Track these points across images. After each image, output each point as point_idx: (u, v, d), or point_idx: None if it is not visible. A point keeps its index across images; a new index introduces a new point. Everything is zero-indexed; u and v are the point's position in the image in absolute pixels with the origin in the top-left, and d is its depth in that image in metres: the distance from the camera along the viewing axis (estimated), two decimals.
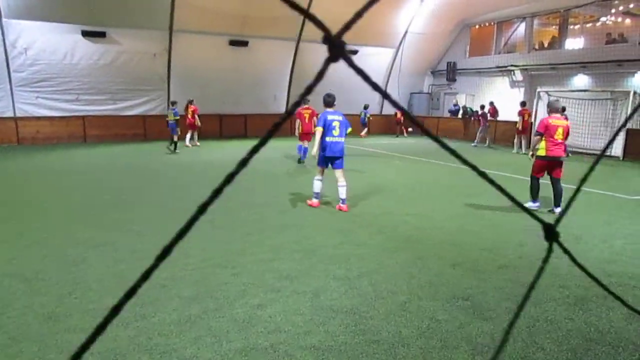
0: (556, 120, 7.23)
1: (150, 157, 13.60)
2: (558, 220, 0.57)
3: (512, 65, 20.05)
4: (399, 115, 22.33)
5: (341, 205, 7.29)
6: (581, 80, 17.74)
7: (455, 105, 22.20)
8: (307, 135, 11.89)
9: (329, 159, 7.22)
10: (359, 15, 0.43)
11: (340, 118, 7.24)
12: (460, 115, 21.60)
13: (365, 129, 20.50)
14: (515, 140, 16.91)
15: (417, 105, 24.61)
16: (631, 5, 18.38)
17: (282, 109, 21.20)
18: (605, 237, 6.11)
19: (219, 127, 19.45)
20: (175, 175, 10.50)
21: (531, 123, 16.33)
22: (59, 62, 16.35)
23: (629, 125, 15.08)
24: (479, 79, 22.06)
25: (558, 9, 18.85)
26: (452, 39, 23.19)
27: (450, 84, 23.49)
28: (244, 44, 19.07)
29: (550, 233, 0.54)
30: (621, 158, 15.04)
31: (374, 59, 22.07)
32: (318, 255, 5.20)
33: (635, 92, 15.08)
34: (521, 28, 21.29)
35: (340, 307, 3.91)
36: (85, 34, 16.28)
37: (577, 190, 0.62)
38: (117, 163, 12.35)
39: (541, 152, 7.22)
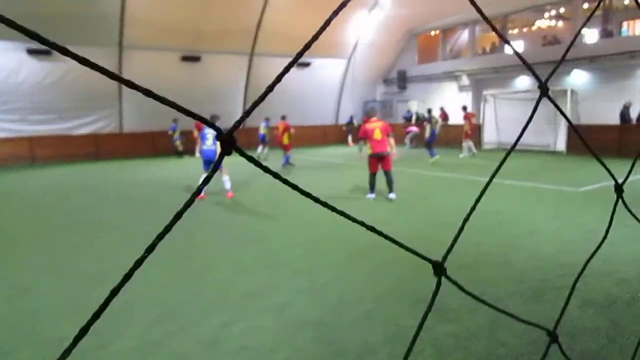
0: (372, 123, 8.60)
1: (102, 177, 13.13)
2: (445, 257, 0.63)
3: (458, 71, 20.82)
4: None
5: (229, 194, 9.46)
6: (523, 82, 18.65)
7: (409, 111, 22.78)
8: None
9: (206, 162, 9.28)
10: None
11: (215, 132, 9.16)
12: (413, 122, 22.19)
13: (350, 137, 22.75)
14: (464, 144, 16.54)
15: None
16: (562, 10, 19.57)
17: None
18: (556, 230, 6.41)
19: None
20: (127, 195, 10.17)
21: (478, 126, 16.93)
22: (2, 81, 15.59)
23: (570, 120, 15.98)
24: (428, 85, 22.75)
25: (497, 15, 19.79)
26: (401, 47, 23.85)
27: (402, 92, 24.09)
28: (197, 59, 18.85)
29: (438, 269, 0.61)
30: (565, 152, 15.88)
31: (327, 70, 22.39)
32: (282, 269, 5.17)
33: (572, 90, 16.02)
34: (465, 35, 22.20)
35: (307, 320, 3.89)
36: (31, 52, 15.62)
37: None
38: (68, 184, 11.85)
39: (369, 151, 8.61)
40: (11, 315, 4.11)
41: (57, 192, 10.69)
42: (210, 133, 9.23)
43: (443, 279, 0.62)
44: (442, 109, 20.35)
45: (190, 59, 18.73)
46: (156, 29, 16.93)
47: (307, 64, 21.53)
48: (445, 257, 0.65)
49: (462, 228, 0.67)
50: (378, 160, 8.60)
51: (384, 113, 25.25)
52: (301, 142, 21.59)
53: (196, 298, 4.37)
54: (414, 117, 22.17)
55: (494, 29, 0.74)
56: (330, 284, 4.68)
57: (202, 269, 5.21)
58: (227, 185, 9.41)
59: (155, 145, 18.81)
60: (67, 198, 9.99)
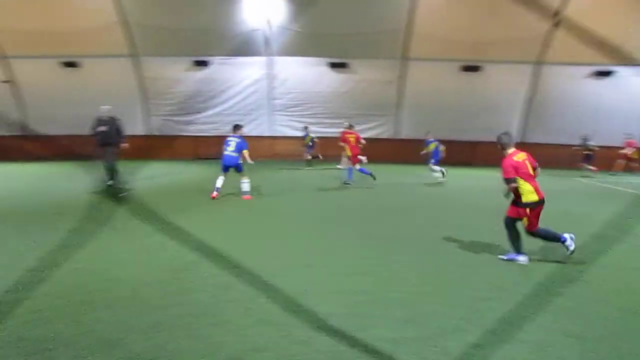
0: (518, 155, 5.91)
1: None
2: None
3: None
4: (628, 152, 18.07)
5: (244, 196, 10.02)
6: None
7: None
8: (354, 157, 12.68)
9: (224, 167, 9.91)
10: None
11: (238, 140, 9.89)
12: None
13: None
14: None
15: None
16: None
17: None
18: None
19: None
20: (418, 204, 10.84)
21: None
22: (308, 90, 19.01)
23: None
24: None
25: None
26: None
27: None
28: (476, 69, 18.68)
29: None
30: None
31: (636, 80, 18.76)
32: (548, 302, 4.62)
33: None
34: None
35: None
36: (331, 65, 18.54)
37: None
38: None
39: (530, 197, 5.73)
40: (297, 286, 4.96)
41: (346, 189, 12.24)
42: (233, 140, 9.82)
43: None
44: None
45: (470, 68, 18.69)
46: (439, 40, 17.57)
47: (607, 73, 18.50)
48: None
49: None
50: (538, 211, 5.84)
51: None
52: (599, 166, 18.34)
53: (449, 310, 4.34)
54: None
55: None
56: (608, 337, 3.93)
57: (458, 281, 5.14)
58: (244, 188, 9.97)
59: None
60: (347, 195, 11.35)
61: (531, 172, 5.81)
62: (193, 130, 19.59)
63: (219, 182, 9.97)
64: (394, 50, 18.20)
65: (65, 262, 5.56)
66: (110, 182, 11.39)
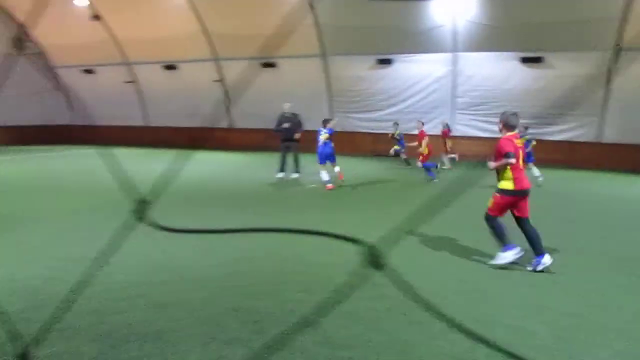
0: (518, 140, 5.68)
1: (576, 186, 12.78)
2: None
3: None
4: None
5: (328, 185, 10.81)
6: None
7: None
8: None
9: (321, 158, 10.92)
10: None
11: (328, 132, 10.86)
12: None
13: None
14: None
15: None
16: None
17: None
18: None
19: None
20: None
21: None
22: (495, 88, 17.67)
23: None
24: None
25: None
26: None
27: None
28: None
29: None
30: None
31: None
32: None
33: None
34: None
35: None
36: (523, 60, 16.90)
37: None
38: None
39: (509, 185, 5.45)
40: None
41: None
42: (323, 134, 10.75)
43: None
44: None
45: None
46: None
47: None
48: None
49: None
50: (520, 201, 5.48)
51: None
52: None
53: None
54: None
55: None
56: None
57: None
58: (324, 177, 10.73)
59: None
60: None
61: (520, 162, 5.55)
62: (373, 127, 19.99)
63: (324, 175, 10.84)
64: (604, 41, 15.68)
65: (261, 245, 6.18)
66: (295, 174, 12.42)
